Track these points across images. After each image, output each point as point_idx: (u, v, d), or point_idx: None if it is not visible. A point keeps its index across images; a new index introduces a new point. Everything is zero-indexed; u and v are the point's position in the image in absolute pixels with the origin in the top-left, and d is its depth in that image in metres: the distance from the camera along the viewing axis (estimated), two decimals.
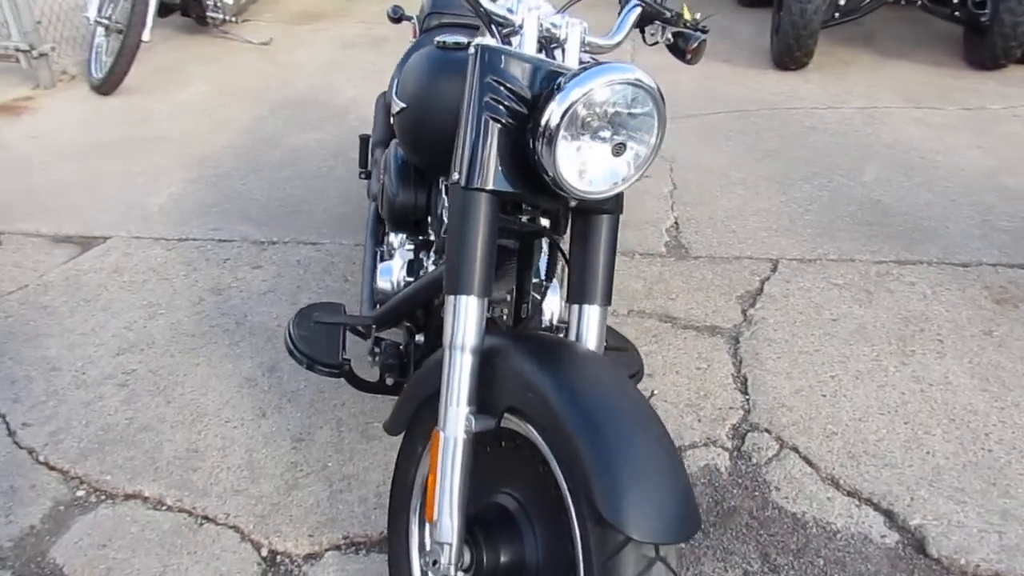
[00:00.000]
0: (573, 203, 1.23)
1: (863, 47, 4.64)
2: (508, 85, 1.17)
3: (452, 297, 1.19)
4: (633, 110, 1.16)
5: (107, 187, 3.17)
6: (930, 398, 2.01)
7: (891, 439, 1.89)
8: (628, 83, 1.14)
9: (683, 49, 1.66)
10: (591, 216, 1.28)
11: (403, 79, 1.56)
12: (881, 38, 4.77)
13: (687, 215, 2.88)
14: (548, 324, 1.63)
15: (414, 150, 1.58)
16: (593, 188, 1.17)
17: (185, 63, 4.60)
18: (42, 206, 3.01)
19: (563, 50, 1.27)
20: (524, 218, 1.39)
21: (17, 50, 3.99)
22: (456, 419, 1.18)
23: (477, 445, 1.21)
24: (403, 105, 1.52)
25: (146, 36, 4.11)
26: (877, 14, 4.34)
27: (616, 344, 1.86)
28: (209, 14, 4.68)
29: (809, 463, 1.83)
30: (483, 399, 1.20)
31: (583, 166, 1.15)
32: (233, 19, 4.79)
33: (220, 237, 2.78)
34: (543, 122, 1.11)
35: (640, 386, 1.88)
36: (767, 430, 1.92)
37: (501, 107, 1.16)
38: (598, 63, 1.17)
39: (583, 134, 1.14)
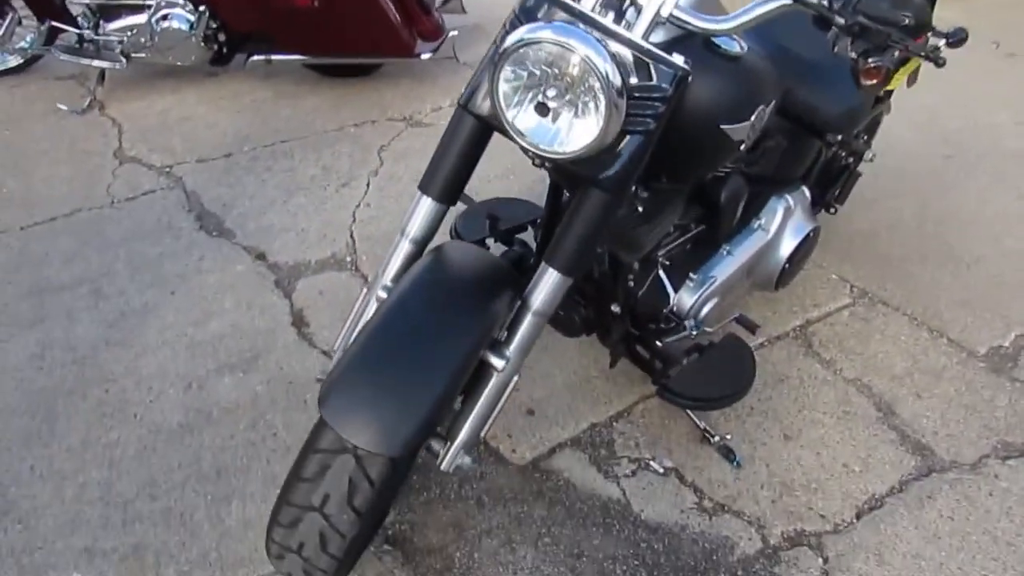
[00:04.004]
0: (536, 156, 1.26)
1: None
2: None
3: (418, 192, 1.40)
4: (573, 79, 1.14)
5: None
6: None
7: None
8: (575, 52, 1.11)
9: (856, 71, 1.40)
10: (585, 186, 1.29)
11: None
12: None
13: None
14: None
15: None
16: (527, 135, 1.20)
17: None
18: None
19: (637, 12, 1.21)
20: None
21: None
22: (375, 287, 1.45)
23: None
24: None
25: None
26: None
27: (744, 325, 2.06)
28: None
29: None
30: None
31: (516, 107, 1.19)
32: None
33: None
34: (501, 46, 1.17)
35: None
36: None
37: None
38: (575, 25, 1.14)
39: (523, 78, 1.17)
